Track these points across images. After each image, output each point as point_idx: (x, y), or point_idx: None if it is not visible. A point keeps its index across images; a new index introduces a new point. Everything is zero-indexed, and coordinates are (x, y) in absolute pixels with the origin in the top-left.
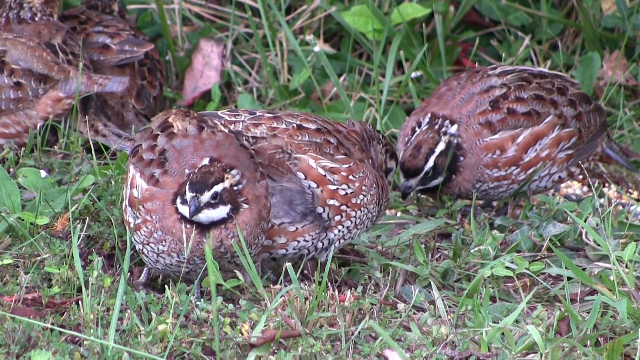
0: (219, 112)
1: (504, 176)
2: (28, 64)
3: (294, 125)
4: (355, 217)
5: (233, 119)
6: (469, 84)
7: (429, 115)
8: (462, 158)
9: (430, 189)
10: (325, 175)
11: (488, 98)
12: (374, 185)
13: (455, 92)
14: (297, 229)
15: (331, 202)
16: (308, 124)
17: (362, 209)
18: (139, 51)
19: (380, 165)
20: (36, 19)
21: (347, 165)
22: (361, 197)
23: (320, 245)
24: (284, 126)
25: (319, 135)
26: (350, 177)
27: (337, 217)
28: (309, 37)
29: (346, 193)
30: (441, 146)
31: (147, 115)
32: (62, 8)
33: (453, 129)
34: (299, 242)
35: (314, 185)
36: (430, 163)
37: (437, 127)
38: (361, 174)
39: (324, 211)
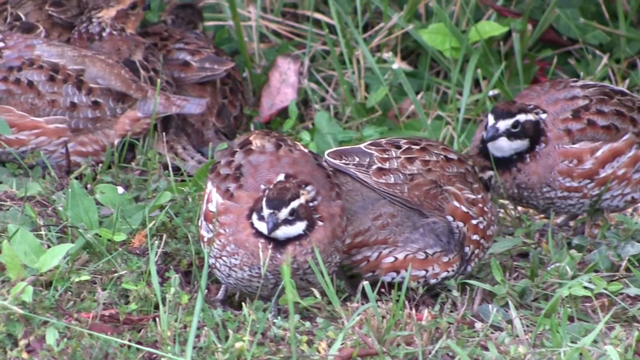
0: (363, 146)
1: (575, 188)
2: (106, 81)
3: (442, 157)
4: (487, 248)
5: (385, 155)
6: (552, 90)
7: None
8: (543, 145)
9: (506, 160)
10: (468, 212)
11: (571, 106)
12: (496, 216)
13: (540, 94)
14: (449, 259)
15: (474, 237)
16: (450, 154)
17: (491, 240)
18: (220, 69)
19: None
20: (104, 34)
21: (480, 196)
22: (492, 228)
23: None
24: (434, 158)
25: (462, 165)
26: (484, 208)
27: (476, 251)
28: (387, 55)
29: (483, 226)
30: (531, 116)
31: (226, 134)
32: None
33: (544, 115)
34: (448, 272)
35: (461, 224)
36: (522, 117)
37: (530, 107)
38: (490, 204)
39: (469, 249)
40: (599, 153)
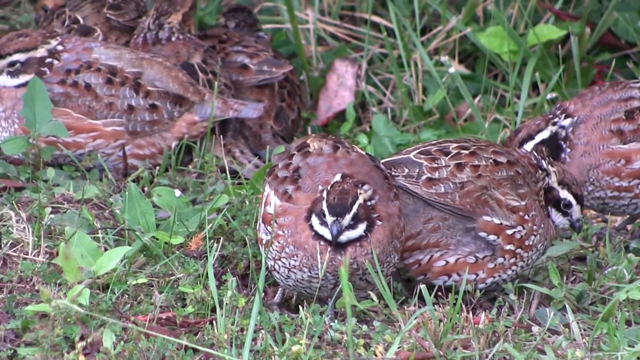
0: (412, 156)
1: (625, 187)
2: (164, 84)
3: (492, 160)
4: (527, 257)
5: (434, 164)
6: (610, 91)
7: (557, 105)
8: (569, 150)
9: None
10: (501, 224)
11: (625, 107)
12: (542, 225)
13: (595, 94)
14: (495, 265)
15: (508, 247)
16: (500, 157)
17: (532, 249)
18: (278, 72)
19: (538, 193)
20: (173, 39)
21: (524, 202)
22: (532, 237)
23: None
24: (484, 163)
25: (511, 168)
26: (526, 216)
27: (512, 260)
28: (444, 58)
29: (521, 236)
30: (544, 134)
31: (284, 137)
32: (197, 27)
33: (566, 121)
34: (494, 277)
35: (494, 237)
36: (527, 148)
37: (550, 116)
38: (534, 212)
39: (504, 260)
40: None
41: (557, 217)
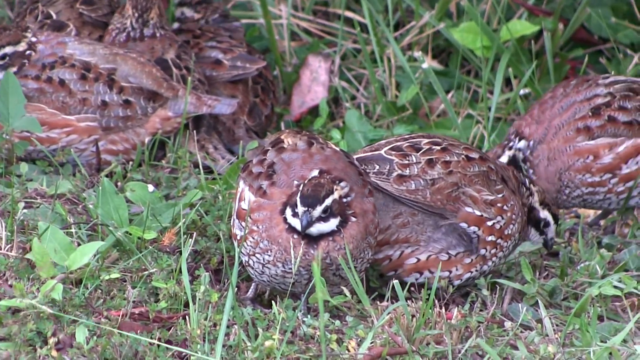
0: (383, 152)
1: (598, 182)
2: (137, 79)
3: (463, 156)
4: (505, 247)
5: (405, 161)
6: (573, 92)
7: (512, 130)
8: (531, 170)
9: None
10: (482, 215)
11: (589, 105)
12: (520, 215)
13: (556, 101)
14: (471, 260)
15: (489, 238)
16: (472, 153)
17: (511, 238)
18: (252, 68)
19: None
20: (158, 35)
21: (501, 195)
22: (511, 226)
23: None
24: (455, 159)
25: (484, 164)
26: (504, 207)
27: (493, 251)
28: (417, 54)
29: (500, 226)
30: (503, 159)
31: (257, 132)
32: (171, 20)
33: (521, 144)
34: (471, 273)
35: (475, 229)
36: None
37: (505, 142)
38: (512, 202)
39: (486, 251)
40: (620, 148)
41: (534, 236)
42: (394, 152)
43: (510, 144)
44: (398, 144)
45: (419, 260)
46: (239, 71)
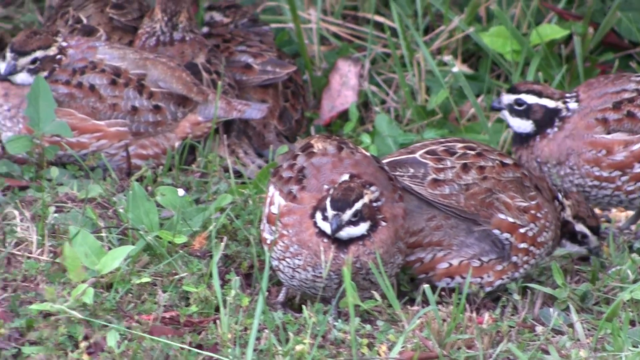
0: (418, 155)
1: (606, 178)
2: (167, 84)
3: (498, 162)
4: (538, 254)
5: (440, 165)
6: (610, 83)
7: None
8: (556, 129)
9: (519, 134)
10: (515, 222)
11: (615, 98)
12: (554, 223)
13: (599, 85)
14: (503, 267)
15: (522, 245)
16: (506, 159)
17: (544, 246)
18: (282, 72)
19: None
20: (187, 38)
21: (535, 202)
22: (544, 234)
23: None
24: (490, 164)
25: (518, 170)
26: (538, 214)
27: (525, 258)
28: (447, 58)
29: (533, 233)
30: (550, 102)
31: (288, 137)
32: (200, 24)
33: (573, 105)
34: (502, 279)
35: (508, 235)
36: (529, 99)
37: (566, 94)
38: (545, 210)
39: (518, 258)
40: (636, 147)
41: (573, 247)
42: (429, 156)
43: (567, 99)
44: (433, 147)
45: (450, 265)
46: (269, 75)
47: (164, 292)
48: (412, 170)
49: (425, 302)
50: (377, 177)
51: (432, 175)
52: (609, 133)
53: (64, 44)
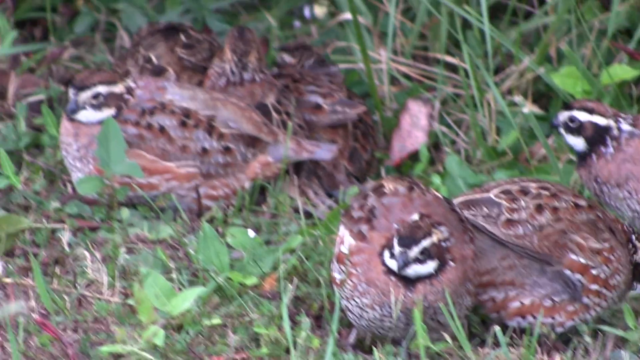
0: (492, 195)
1: None
2: (237, 124)
3: (572, 203)
4: (610, 297)
5: (514, 205)
6: None
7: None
8: (611, 150)
9: (577, 153)
10: (587, 263)
11: None
12: (627, 267)
13: None
14: (574, 308)
15: (593, 287)
16: (580, 200)
17: (616, 289)
18: (351, 112)
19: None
20: (257, 79)
21: (608, 244)
22: (617, 277)
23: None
24: (564, 205)
25: (592, 212)
26: (610, 256)
27: (596, 300)
28: (518, 98)
29: (605, 275)
30: (601, 120)
31: (358, 177)
32: (270, 65)
33: (627, 127)
34: (573, 320)
35: (580, 276)
36: (581, 116)
37: (621, 113)
38: (618, 253)
39: (589, 299)
40: None
41: None
42: (503, 196)
43: (621, 119)
44: (508, 187)
45: (522, 304)
46: (338, 116)
47: (235, 333)
48: (486, 210)
49: (496, 343)
50: (448, 218)
51: (505, 215)
52: None
53: (132, 84)
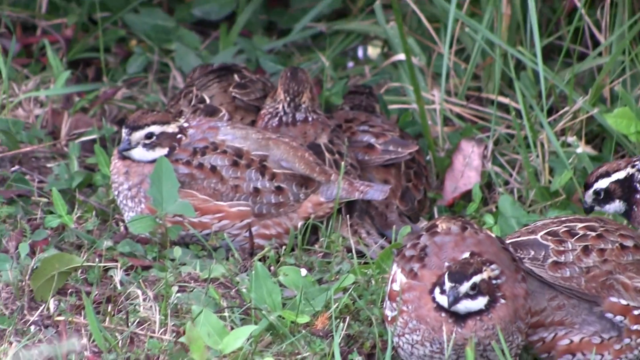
0: (539, 238)
1: None
2: (290, 164)
3: (618, 244)
4: None
5: (561, 247)
6: None
7: None
8: None
9: (624, 213)
10: (628, 304)
11: None
12: None
13: None
14: (621, 347)
15: (634, 327)
16: (627, 241)
17: None
18: (404, 152)
19: None
20: (309, 119)
21: None
22: None
23: None
24: (610, 246)
25: (637, 252)
26: None
27: (639, 340)
28: (571, 139)
29: None
30: (620, 174)
31: (410, 217)
32: (323, 107)
33: None
34: (620, 358)
35: (622, 318)
36: (601, 184)
37: (634, 159)
38: None
39: (631, 340)
40: None
41: None
42: (549, 237)
43: (636, 162)
44: (554, 228)
45: (572, 341)
46: (391, 155)
47: None
48: (532, 253)
49: None
50: (500, 256)
51: (553, 257)
52: None
53: (185, 124)
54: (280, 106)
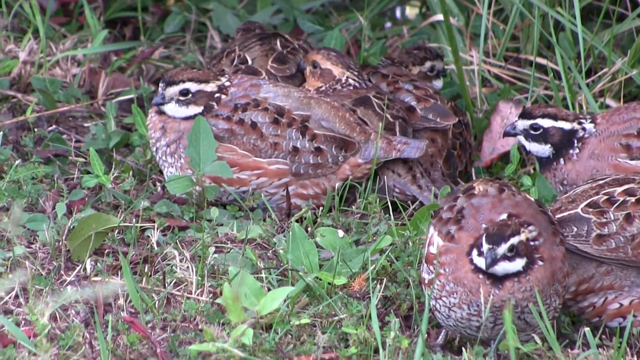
0: (580, 211)
1: None
2: (330, 124)
3: None
4: None
5: (603, 219)
6: (638, 109)
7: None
8: (577, 151)
9: (540, 158)
10: None
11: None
12: None
13: (625, 111)
14: None
15: None
16: None
17: None
18: (442, 123)
19: None
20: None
21: None
22: None
23: None
24: None
25: None
26: None
27: None
28: (610, 101)
29: None
30: (566, 124)
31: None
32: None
33: (589, 126)
34: None
35: None
36: (544, 123)
37: (580, 115)
38: None
39: None
40: None
41: None
42: (590, 210)
43: (582, 120)
44: (594, 198)
45: (621, 305)
46: (430, 124)
47: (323, 333)
48: (575, 229)
49: (586, 344)
50: (537, 218)
51: (596, 230)
52: (632, 160)
53: (227, 83)
54: (350, 81)
